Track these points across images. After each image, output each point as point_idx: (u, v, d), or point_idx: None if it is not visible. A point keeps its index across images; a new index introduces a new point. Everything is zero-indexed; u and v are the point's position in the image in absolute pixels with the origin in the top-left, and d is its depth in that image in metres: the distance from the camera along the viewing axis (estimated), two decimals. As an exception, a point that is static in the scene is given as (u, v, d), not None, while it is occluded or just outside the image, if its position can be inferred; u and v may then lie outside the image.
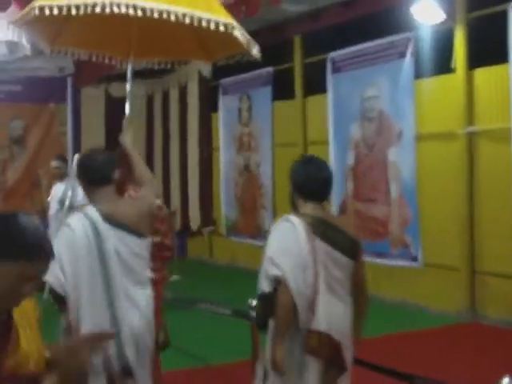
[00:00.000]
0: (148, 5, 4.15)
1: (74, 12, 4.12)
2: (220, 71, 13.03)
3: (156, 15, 4.18)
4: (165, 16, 4.19)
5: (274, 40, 11.37)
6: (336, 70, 10.46)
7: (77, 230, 3.91)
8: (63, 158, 9.75)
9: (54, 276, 3.81)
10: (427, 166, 9.17)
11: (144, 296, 4.01)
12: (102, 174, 4.08)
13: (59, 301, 3.88)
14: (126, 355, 3.85)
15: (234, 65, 12.36)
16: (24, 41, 10.91)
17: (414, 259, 9.20)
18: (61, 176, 9.50)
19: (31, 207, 12.01)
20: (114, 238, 3.91)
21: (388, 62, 9.57)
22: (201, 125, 13.63)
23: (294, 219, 3.96)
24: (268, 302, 3.89)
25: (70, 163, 15.07)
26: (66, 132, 15.20)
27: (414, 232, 9.22)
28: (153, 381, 4.09)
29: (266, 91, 11.96)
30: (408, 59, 9.21)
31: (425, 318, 8.82)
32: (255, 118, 12.31)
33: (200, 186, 13.66)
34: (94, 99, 15.33)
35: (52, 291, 3.88)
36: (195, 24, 4.26)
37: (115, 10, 4.11)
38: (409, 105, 9.25)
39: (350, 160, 10.29)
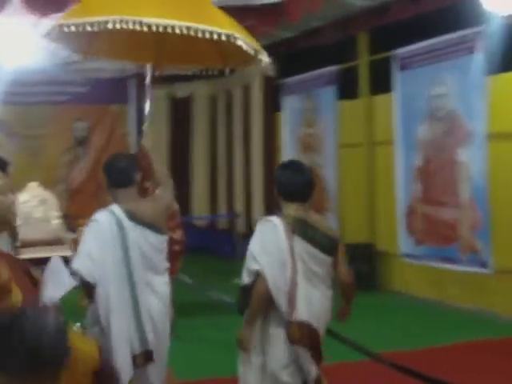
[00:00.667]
0: (153, 21, 4.52)
1: (88, 29, 4.53)
2: (284, 70, 12.79)
3: (161, 29, 4.56)
4: (169, 30, 4.56)
5: (339, 37, 11.07)
6: (403, 67, 10.07)
7: (104, 224, 4.41)
8: None
9: (82, 265, 4.30)
10: (499, 167, 8.72)
11: (162, 284, 4.56)
12: (124, 177, 4.56)
13: (87, 287, 4.32)
14: (146, 338, 4.35)
15: (299, 63, 12.18)
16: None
17: (484, 265, 8.77)
18: None
19: (97, 208, 11.93)
20: (135, 234, 4.42)
21: (457, 58, 9.15)
22: (264, 125, 13.38)
23: (275, 219, 4.31)
24: (248, 292, 4.25)
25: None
26: (130, 133, 15.18)
27: (485, 236, 8.78)
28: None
29: (331, 90, 11.63)
30: (478, 55, 8.79)
31: (496, 327, 8.37)
32: (319, 118, 12.00)
33: (264, 187, 13.39)
34: (157, 100, 15.18)
35: (81, 279, 4.26)
36: (199, 36, 4.62)
37: (124, 26, 4.49)
38: (480, 103, 8.82)
39: (418, 161, 9.91)
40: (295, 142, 12.65)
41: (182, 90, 15.35)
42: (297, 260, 4.23)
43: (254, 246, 4.31)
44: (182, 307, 8.94)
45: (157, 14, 4.58)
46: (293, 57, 12.47)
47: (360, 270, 10.50)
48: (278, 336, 4.23)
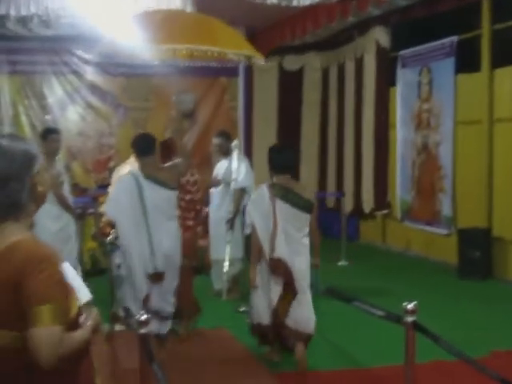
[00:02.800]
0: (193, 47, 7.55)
1: None
2: (399, 41, 12.03)
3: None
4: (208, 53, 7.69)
5: (459, 5, 10.23)
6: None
7: (126, 182, 6.29)
8: (225, 135, 9.16)
9: (107, 208, 6.31)
10: None
11: (172, 227, 6.30)
12: (145, 149, 6.28)
13: (111, 221, 6.21)
14: (157, 264, 6.15)
15: (415, 34, 11.38)
16: (189, 9, 10.44)
17: None
18: (224, 153, 8.92)
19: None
20: (150, 190, 6.16)
21: None
22: (377, 100, 12.64)
23: (264, 187, 6.06)
24: (249, 240, 6.27)
25: (240, 139, 14.74)
26: (237, 106, 14.77)
27: None
28: (184, 293, 6.62)
29: (449, 63, 10.76)
30: None
31: None
32: (436, 92, 11.17)
33: (374, 165, 12.70)
34: (266, 72, 14.73)
35: (106, 215, 6.32)
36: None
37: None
38: None
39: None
40: (410, 118, 11.89)
41: (292, 62, 14.79)
42: (277, 215, 5.87)
43: (249, 205, 6.35)
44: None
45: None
46: (408, 27, 11.64)
47: (474, 256, 9.77)
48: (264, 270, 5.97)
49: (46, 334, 2.29)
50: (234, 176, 8.50)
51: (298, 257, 5.91)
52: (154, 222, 6.10)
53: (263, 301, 5.96)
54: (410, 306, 4.52)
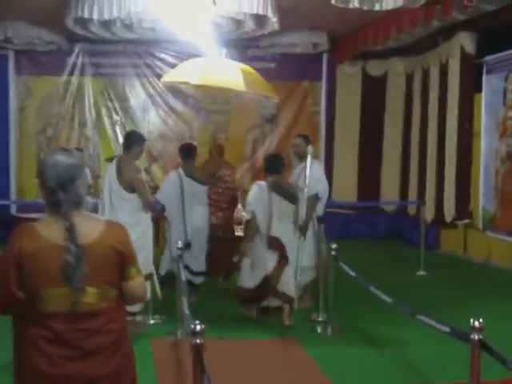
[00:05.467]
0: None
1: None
2: (485, 47, 11.73)
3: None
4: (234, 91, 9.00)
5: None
6: None
7: (172, 178, 8.83)
8: (305, 137, 9.00)
9: (160, 197, 8.64)
10: None
11: (202, 210, 8.92)
12: (187, 154, 9.00)
13: (163, 207, 8.63)
14: (188, 236, 8.66)
15: (501, 39, 11.06)
16: (270, 13, 10.42)
17: None
18: (300, 155, 8.75)
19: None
20: (188, 183, 8.74)
21: None
22: (461, 107, 12.33)
23: (262, 183, 7.75)
24: (248, 223, 7.81)
25: (321, 144, 14.63)
26: (320, 111, 14.67)
27: None
28: (221, 257, 9.29)
29: (536, 69, 10.46)
30: None
31: None
32: (522, 99, 10.85)
33: (457, 174, 12.39)
34: (350, 77, 14.62)
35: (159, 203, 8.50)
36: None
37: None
38: None
39: None
40: (495, 126, 11.56)
41: (376, 68, 14.60)
42: (273, 205, 7.62)
43: (250, 196, 7.69)
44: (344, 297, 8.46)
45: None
46: (495, 32, 11.30)
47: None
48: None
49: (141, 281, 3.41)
50: (307, 182, 8.37)
51: (288, 236, 7.71)
52: (189, 209, 8.71)
53: (253, 270, 7.65)
54: (476, 324, 4.36)
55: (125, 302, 3.36)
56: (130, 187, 7.24)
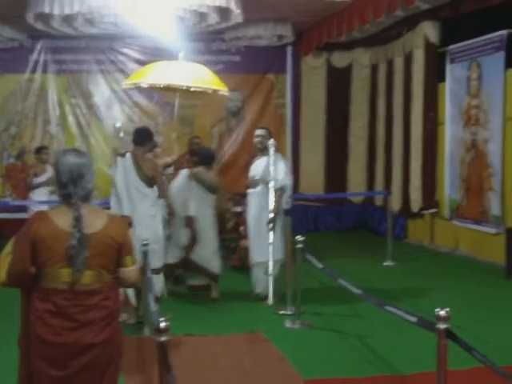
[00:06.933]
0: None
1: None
2: (448, 37, 11.77)
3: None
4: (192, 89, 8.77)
5: (508, -2, 9.94)
6: None
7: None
8: (267, 129, 8.94)
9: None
10: None
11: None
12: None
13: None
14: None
15: (464, 29, 11.09)
16: (233, 5, 10.35)
17: None
18: (263, 148, 8.67)
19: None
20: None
21: None
22: (426, 96, 12.38)
23: (184, 172, 8.83)
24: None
25: (287, 136, 14.61)
26: (285, 104, 14.65)
27: None
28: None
29: (499, 58, 10.47)
30: None
31: None
32: (485, 88, 10.89)
33: (423, 163, 12.44)
34: (314, 69, 14.61)
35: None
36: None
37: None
38: None
39: None
40: (458, 115, 11.62)
41: (340, 59, 14.60)
42: (193, 191, 8.63)
43: (172, 185, 8.79)
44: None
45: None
46: (458, 21, 11.34)
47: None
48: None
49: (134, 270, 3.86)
50: (272, 175, 8.32)
51: (205, 219, 8.68)
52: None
53: (174, 247, 8.64)
54: (442, 313, 4.33)
55: (119, 284, 3.84)
56: (150, 182, 7.54)
